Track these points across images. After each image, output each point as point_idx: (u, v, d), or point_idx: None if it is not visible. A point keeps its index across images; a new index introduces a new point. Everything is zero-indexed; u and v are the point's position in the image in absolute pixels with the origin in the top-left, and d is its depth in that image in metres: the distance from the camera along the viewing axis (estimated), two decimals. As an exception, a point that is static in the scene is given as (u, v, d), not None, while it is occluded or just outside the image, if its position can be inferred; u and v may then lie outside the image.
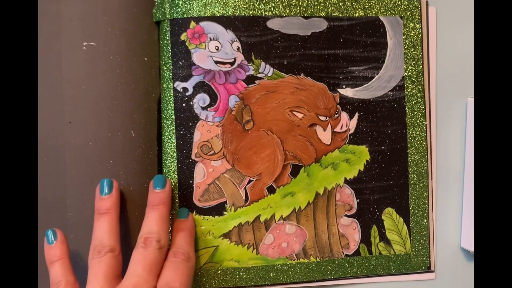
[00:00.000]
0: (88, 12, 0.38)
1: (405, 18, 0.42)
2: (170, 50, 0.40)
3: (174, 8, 0.39)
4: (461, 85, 0.45)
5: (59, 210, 0.38)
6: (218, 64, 0.40)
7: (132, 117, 0.39)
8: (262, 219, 0.41)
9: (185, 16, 0.39)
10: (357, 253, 0.43)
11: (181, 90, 0.40)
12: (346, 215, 0.43)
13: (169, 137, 0.40)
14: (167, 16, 0.40)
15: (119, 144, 0.38)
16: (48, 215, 0.38)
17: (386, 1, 0.42)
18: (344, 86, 0.42)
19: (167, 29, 0.40)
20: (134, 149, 0.39)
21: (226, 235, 0.41)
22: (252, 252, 0.41)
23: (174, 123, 0.40)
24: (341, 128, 0.42)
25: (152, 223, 0.36)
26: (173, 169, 0.40)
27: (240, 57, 0.40)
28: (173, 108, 0.40)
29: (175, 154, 0.40)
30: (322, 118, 0.42)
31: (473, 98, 0.44)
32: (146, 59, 0.39)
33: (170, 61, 0.40)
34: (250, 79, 0.41)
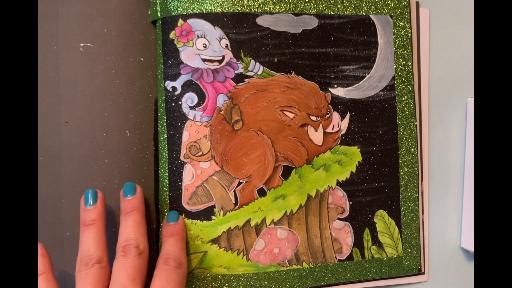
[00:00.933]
0: (85, 13, 0.38)
1: (395, 17, 0.42)
2: (161, 50, 0.38)
3: (164, 7, 0.38)
4: (460, 85, 0.45)
5: (55, 208, 0.38)
6: (206, 62, 0.38)
7: (128, 117, 0.38)
8: (252, 223, 0.39)
9: (173, 14, 0.38)
10: (350, 257, 0.42)
11: (171, 90, 0.38)
12: (339, 218, 0.41)
13: (162, 137, 0.38)
14: (159, 15, 0.38)
15: (114, 143, 0.38)
16: (44, 213, 0.38)
17: (376, 0, 0.41)
18: (335, 86, 0.41)
19: (160, 28, 0.38)
20: (129, 149, 0.39)
21: (215, 241, 0.39)
22: (243, 258, 0.39)
23: (165, 123, 0.38)
24: (332, 128, 0.41)
25: (128, 230, 0.35)
26: (164, 169, 0.38)
27: (228, 55, 0.39)
28: (164, 108, 0.38)
29: (166, 155, 0.38)
30: (314, 118, 0.41)
31: (473, 98, 0.44)
32: (142, 59, 0.39)
33: (162, 60, 0.38)
34: (239, 78, 0.39)
